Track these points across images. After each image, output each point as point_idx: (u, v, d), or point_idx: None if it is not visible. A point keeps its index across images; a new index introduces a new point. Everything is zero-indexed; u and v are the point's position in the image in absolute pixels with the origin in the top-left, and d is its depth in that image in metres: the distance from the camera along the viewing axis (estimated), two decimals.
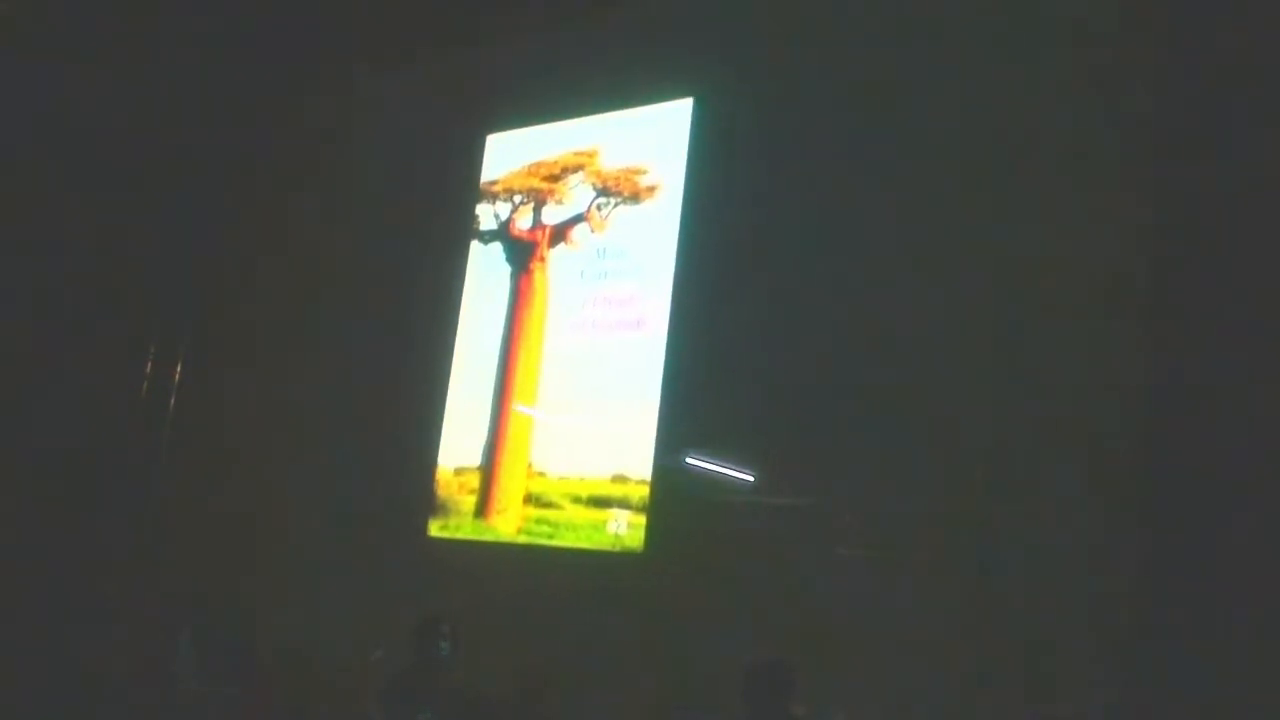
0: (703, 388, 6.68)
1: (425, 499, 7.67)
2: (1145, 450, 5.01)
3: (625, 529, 6.70)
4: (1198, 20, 5.24)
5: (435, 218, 8.24)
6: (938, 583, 5.50)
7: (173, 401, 9.07)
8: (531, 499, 7.16)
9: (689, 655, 6.04)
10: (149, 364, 9.05)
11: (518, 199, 7.92)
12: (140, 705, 6.14)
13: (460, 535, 7.41)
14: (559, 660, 6.14)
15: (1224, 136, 5.03)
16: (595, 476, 6.93)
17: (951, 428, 5.72)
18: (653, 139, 7.32)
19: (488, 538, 7.29)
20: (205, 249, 9.15)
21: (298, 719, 6.10)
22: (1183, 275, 5.03)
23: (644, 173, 7.31)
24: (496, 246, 7.97)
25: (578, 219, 7.58)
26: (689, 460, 6.62)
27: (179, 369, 9.11)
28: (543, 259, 7.66)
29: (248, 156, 9.12)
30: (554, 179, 7.74)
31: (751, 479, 6.44)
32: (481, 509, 7.37)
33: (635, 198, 7.32)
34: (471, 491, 7.46)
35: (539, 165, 7.85)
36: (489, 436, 7.50)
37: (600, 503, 6.84)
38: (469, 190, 8.16)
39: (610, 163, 7.50)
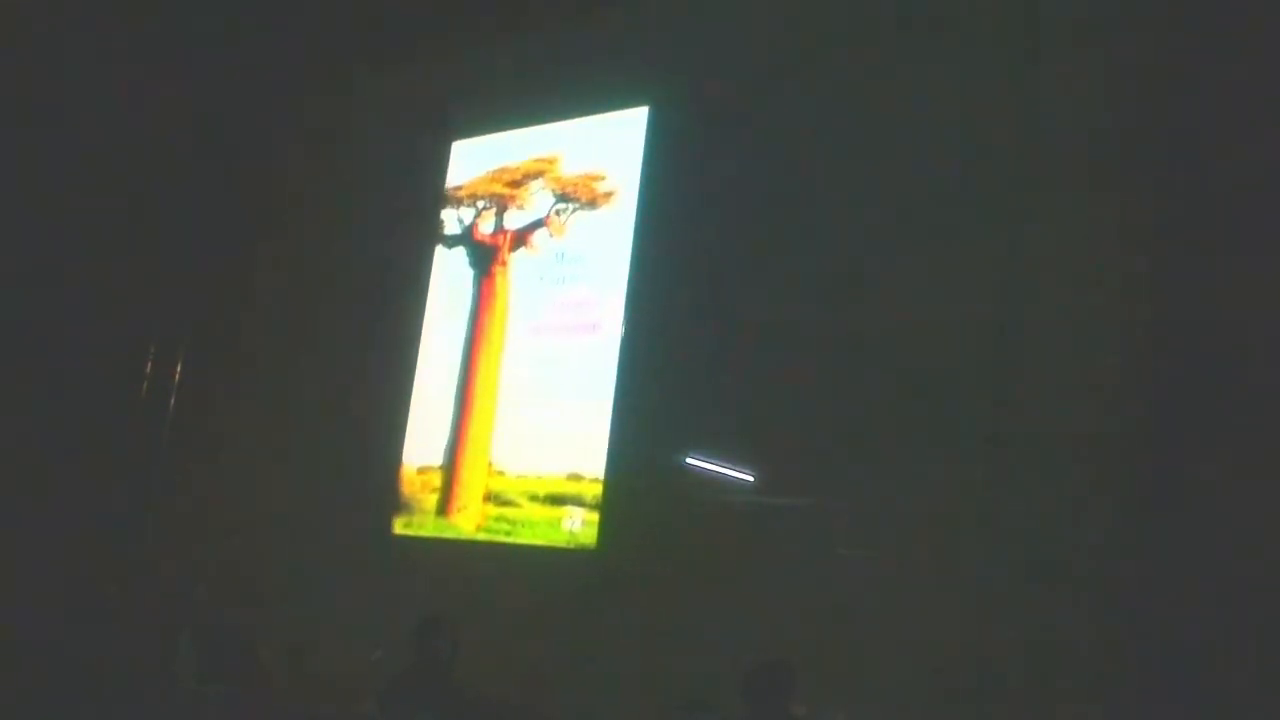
0: (655, 389, 6.86)
1: (393, 497, 7.92)
2: (1146, 449, 5.05)
3: (580, 526, 6.91)
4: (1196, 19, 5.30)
5: (404, 222, 8.46)
6: (906, 577, 5.58)
7: (173, 401, 9.29)
8: (491, 497, 7.37)
9: (643, 649, 6.23)
10: (149, 364, 9.25)
11: (481, 204, 8.12)
12: (140, 705, 6.18)
13: (423, 533, 7.63)
14: (518, 654, 6.32)
15: (1224, 135, 5.08)
16: (552, 475, 7.13)
17: (905, 427, 5.84)
18: (611, 146, 7.51)
19: (449, 535, 7.51)
20: (204, 251, 9.33)
21: (297, 719, 6.18)
22: (1182, 274, 5.07)
23: (602, 179, 7.49)
24: (461, 250, 8.18)
25: (538, 224, 7.77)
26: (642, 459, 6.81)
27: (179, 369, 9.32)
28: (504, 263, 7.86)
29: (243, 160, 9.31)
30: (516, 185, 7.93)
31: (702, 478, 6.58)
32: (443, 507, 7.59)
33: (593, 203, 7.50)
34: (434, 490, 7.68)
35: (502, 171, 8.04)
36: (451, 436, 7.71)
37: (557, 500, 7.05)
38: (435, 195, 8.37)
39: (570, 169, 7.69)
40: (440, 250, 8.28)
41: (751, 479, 6.42)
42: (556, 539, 7.00)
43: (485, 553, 7.28)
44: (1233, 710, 4.52)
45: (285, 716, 6.09)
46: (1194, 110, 5.17)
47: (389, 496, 7.90)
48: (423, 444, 7.85)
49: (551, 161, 7.79)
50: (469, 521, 7.44)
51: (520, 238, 7.84)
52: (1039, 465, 5.34)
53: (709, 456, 6.58)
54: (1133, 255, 5.23)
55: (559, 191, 7.69)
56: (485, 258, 7.98)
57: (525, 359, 7.55)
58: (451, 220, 8.29)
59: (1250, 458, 4.71)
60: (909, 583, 5.52)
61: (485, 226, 8.06)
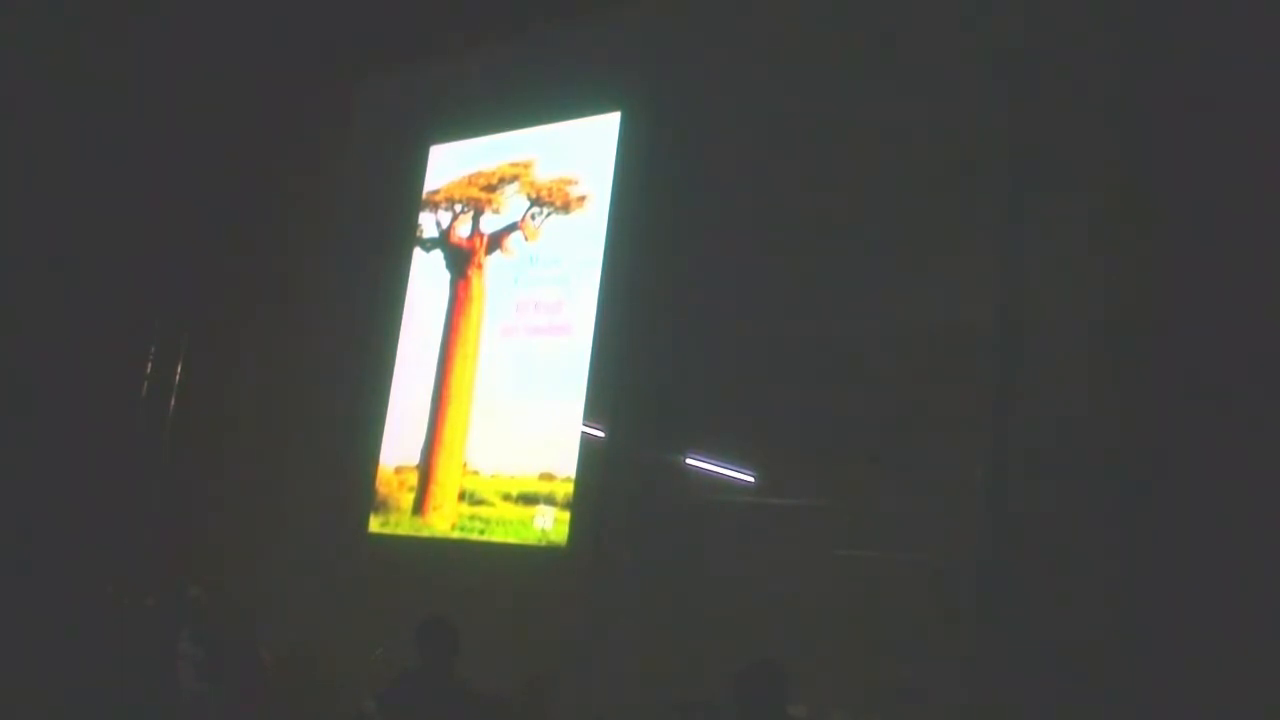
0: (626, 390, 7.00)
1: (370, 497, 8.06)
2: (1146, 449, 5.03)
3: (551, 524, 7.06)
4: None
5: (383, 225, 8.61)
6: (904, 576, 5.61)
7: (173, 401, 9.43)
8: (465, 496, 7.51)
9: (628, 648, 6.33)
10: (149, 364, 9.38)
11: (458, 208, 8.25)
12: (141, 705, 6.25)
13: (399, 531, 7.78)
14: (504, 653, 6.39)
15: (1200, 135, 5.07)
16: (524, 474, 7.27)
17: (886, 426, 5.91)
18: (584, 151, 7.62)
19: (424, 534, 7.66)
20: (205, 251, 9.44)
21: (298, 719, 6.30)
22: (1182, 275, 5.05)
23: (574, 183, 7.61)
24: (438, 253, 8.31)
25: (512, 228, 7.89)
26: (612, 459, 6.95)
27: (179, 369, 9.45)
28: (480, 266, 7.99)
29: (233, 166, 9.42)
30: (491, 189, 8.06)
31: (671, 477, 6.70)
32: (419, 506, 7.73)
33: (566, 207, 7.62)
34: (410, 489, 7.82)
35: (478, 175, 8.17)
36: (427, 436, 7.84)
37: (529, 499, 7.19)
38: (413, 199, 8.51)
39: (543, 174, 7.81)
40: (418, 253, 8.42)
41: (723, 478, 6.52)
42: (528, 537, 7.14)
43: (459, 551, 7.41)
44: (1233, 709, 4.53)
45: (285, 716, 6.20)
46: (1194, 107, 5.16)
47: (366, 496, 8.03)
48: (400, 444, 7.99)
49: (526, 166, 7.90)
50: (444, 520, 7.58)
51: (495, 241, 7.96)
52: (1039, 465, 5.36)
53: (680, 456, 6.69)
54: (1132, 253, 5.20)
55: (533, 196, 7.81)
56: (461, 261, 8.11)
57: (499, 360, 7.68)
58: (429, 224, 8.42)
59: (1253, 458, 4.71)
60: (907, 582, 5.55)
61: (461, 230, 8.19)
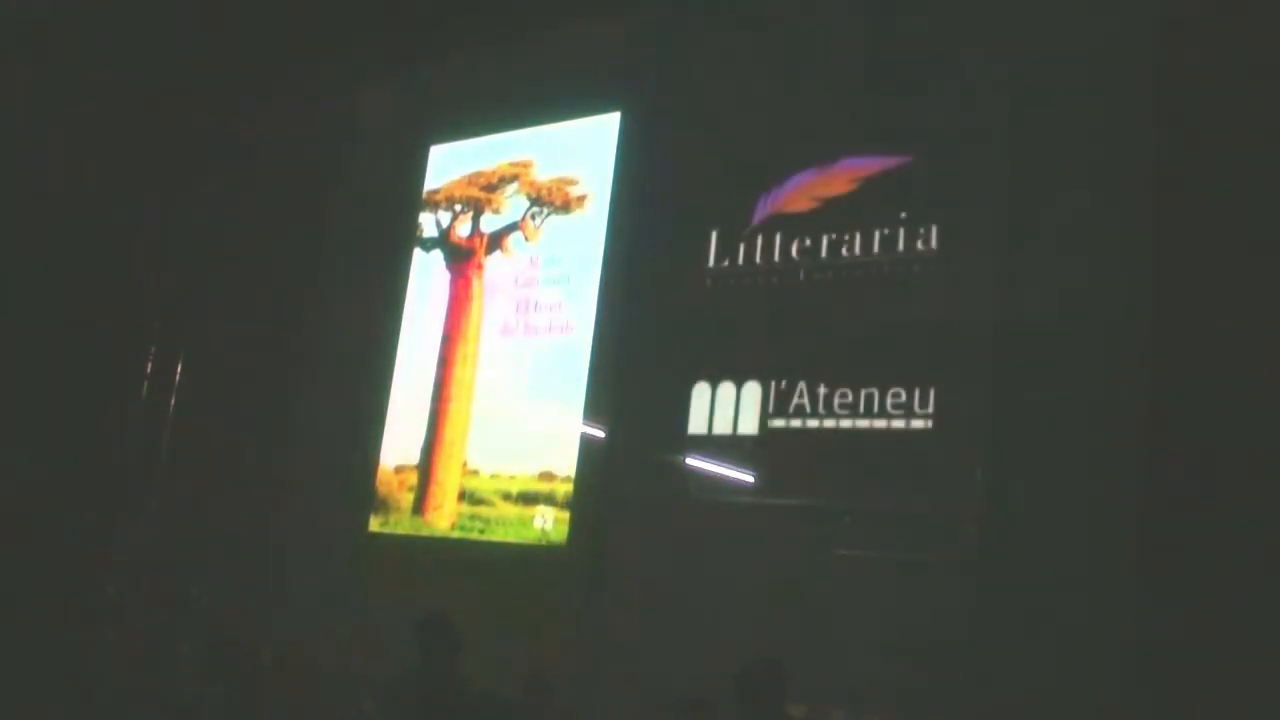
0: (625, 390, 7.03)
1: (370, 496, 8.07)
2: (1149, 449, 5.05)
3: (550, 524, 7.07)
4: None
5: (383, 224, 8.61)
6: (905, 576, 5.64)
7: (173, 401, 9.45)
8: (465, 496, 7.52)
9: (628, 648, 6.33)
10: (149, 364, 9.39)
11: (458, 208, 8.26)
12: (140, 705, 6.14)
13: (399, 531, 7.78)
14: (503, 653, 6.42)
15: (1223, 138, 5.09)
16: (524, 474, 7.29)
17: (895, 425, 5.94)
18: (583, 151, 7.65)
19: (424, 534, 7.66)
20: (206, 251, 9.44)
21: (298, 719, 6.27)
22: (1185, 273, 5.07)
23: (574, 183, 7.64)
24: (438, 253, 8.32)
25: (512, 227, 7.91)
26: (612, 459, 6.96)
27: (179, 369, 9.46)
28: (480, 265, 8.00)
29: (242, 162, 9.41)
30: (491, 189, 8.07)
31: (671, 477, 6.69)
32: (419, 506, 7.74)
33: (566, 207, 7.64)
34: (410, 489, 7.83)
35: (478, 175, 8.18)
36: (427, 436, 7.85)
37: (529, 499, 7.21)
38: (413, 199, 8.52)
39: (544, 174, 7.83)
40: (418, 253, 8.43)
41: (723, 478, 6.52)
42: (528, 537, 7.16)
43: (459, 551, 7.42)
44: (1233, 712, 4.53)
45: (285, 716, 6.14)
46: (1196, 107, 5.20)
47: (366, 496, 8.03)
48: (400, 444, 7.99)
49: (526, 166, 7.92)
50: (444, 520, 7.58)
51: (495, 241, 7.98)
52: (1040, 464, 5.38)
53: (680, 456, 6.69)
54: (1134, 250, 5.24)
55: (533, 196, 7.83)
56: (461, 260, 8.13)
57: (499, 360, 7.69)
58: (429, 224, 8.43)
59: (1256, 461, 4.72)
60: (907, 582, 5.57)
61: (461, 230, 8.20)
